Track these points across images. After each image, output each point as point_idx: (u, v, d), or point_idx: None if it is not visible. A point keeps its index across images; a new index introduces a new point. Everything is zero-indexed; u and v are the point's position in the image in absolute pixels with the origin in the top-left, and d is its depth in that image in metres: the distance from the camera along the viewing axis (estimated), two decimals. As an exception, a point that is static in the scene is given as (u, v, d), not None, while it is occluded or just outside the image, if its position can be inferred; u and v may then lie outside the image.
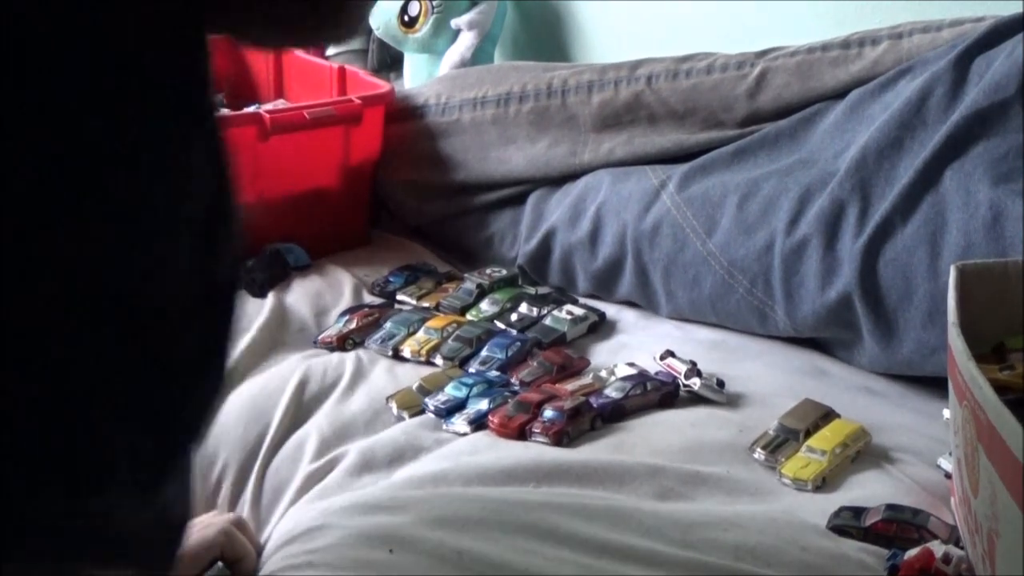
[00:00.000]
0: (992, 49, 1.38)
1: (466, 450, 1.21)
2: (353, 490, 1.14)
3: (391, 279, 1.68)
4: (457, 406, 1.31)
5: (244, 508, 1.22)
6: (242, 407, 1.35)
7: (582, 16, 2.18)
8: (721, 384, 1.33)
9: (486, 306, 1.58)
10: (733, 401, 1.32)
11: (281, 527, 1.13)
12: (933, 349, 1.29)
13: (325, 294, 1.63)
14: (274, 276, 1.65)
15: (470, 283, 1.63)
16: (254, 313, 1.56)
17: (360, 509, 1.09)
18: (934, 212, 1.31)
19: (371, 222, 1.91)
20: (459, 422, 1.28)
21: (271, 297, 1.60)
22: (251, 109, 1.89)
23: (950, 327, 0.99)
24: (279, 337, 1.52)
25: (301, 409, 1.36)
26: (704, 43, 1.72)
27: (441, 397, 1.32)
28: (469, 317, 1.56)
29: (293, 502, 1.20)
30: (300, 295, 1.62)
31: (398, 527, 1.05)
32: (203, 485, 1.25)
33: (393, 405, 1.34)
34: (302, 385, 1.39)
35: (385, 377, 1.42)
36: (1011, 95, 1.32)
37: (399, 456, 1.23)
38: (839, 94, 1.52)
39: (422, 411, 1.32)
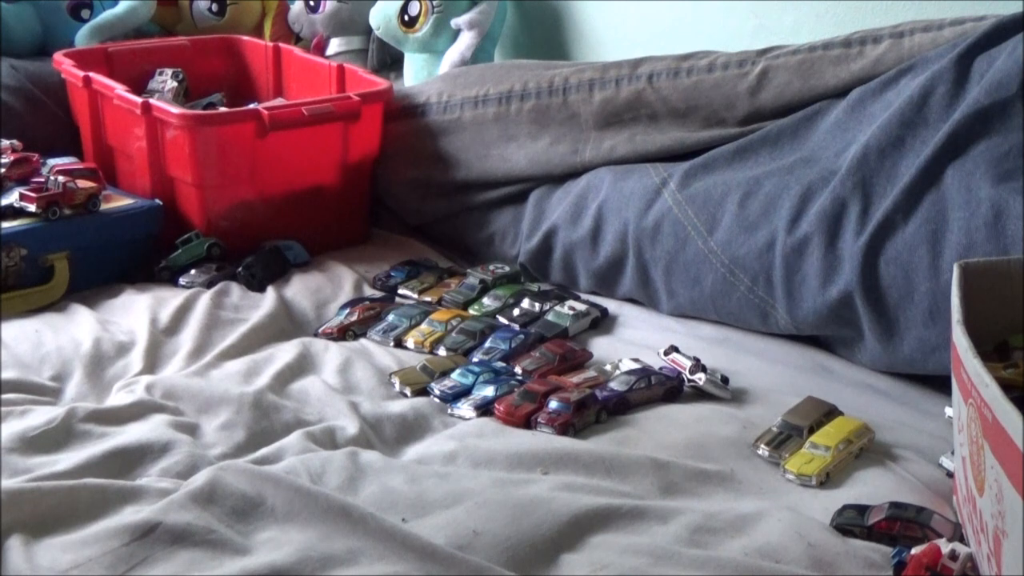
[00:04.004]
0: (993, 48, 1.38)
1: (473, 432, 1.23)
2: (359, 463, 1.14)
3: (393, 274, 1.69)
4: (463, 392, 1.32)
5: (240, 433, 1.23)
6: (241, 365, 1.38)
7: (582, 16, 2.19)
8: (725, 380, 1.33)
9: (488, 301, 1.58)
10: (737, 397, 1.33)
11: (292, 463, 1.13)
12: (934, 347, 1.29)
13: (325, 288, 1.64)
14: (273, 272, 1.66)
15: (473, 278, 1.64)
16: (253, 306, 1.56)
17: (376, 469, 1.10)
18: (935, 211, 1.31)
19: (371, 220, 1.92)
20: (465, 407, 1.29)
21: (270, 291, 1.60)
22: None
23: (954, 325, 0.99)
24: (278, 327, 1.53)
25: (303, 369, 1.39)
26: (705, 42, 1.73)
27: (447, 383, 1.33)
28: (471, 312, 1.56)
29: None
30: (300, 289, 1.63)
31: (415, 497, 1.05)
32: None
33: (396, 381, 1.36)
34: (302, 356, 1.41)
35: (388, 358, 1.44)
36: (1012, 94, 1.32)
37: (406, 433, 1.25)
38: (840, 92, 1.52)
39: (424, 391, 1.34)
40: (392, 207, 1.91)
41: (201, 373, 1.36)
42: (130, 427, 1.21)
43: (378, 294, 1.64)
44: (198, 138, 1.68)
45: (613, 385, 1.30)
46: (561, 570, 0.97)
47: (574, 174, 1.69)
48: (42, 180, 1.65)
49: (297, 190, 1.78)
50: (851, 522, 1.04)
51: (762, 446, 1.18)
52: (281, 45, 2.13)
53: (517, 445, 1.18)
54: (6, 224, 1.57)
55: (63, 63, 1.90)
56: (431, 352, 1.45)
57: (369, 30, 2.26)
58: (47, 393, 1.31)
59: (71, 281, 1.59)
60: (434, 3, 2.12)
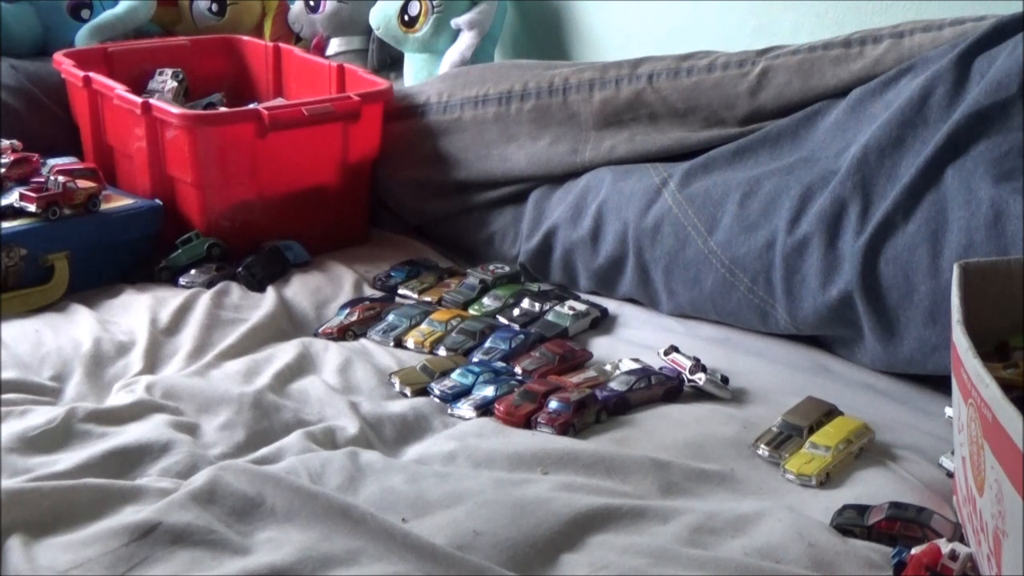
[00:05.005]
0: (993, 48, 1.38)
1: (473, 432, 1.23)
2: (359, 463, 1.14)
3: (393, 274, 1.69)
4: (463, 392, 1.32)
5: (240, 433, 1.23)
6: (241, 365, 1.38)
7: (582, 16, 2.19)
8: (725, 380, 1.33)
9: (488, 301, 1.58)
10: (737, 397, 1.33)
11: (292, 463, 1.13)
12: (934, 347, 1.29)
13: (325, 288, 1.64)
14: (273, 272, 1.66)
15: (473, 278, 1.64)
16: (253, 306, 1.56)
17: (376, 469, 1.11)
18: (935, 211, 1.31)
19: (371, 220, 1.92)
20: (465, 407, 1.29)
21: (270, 291, 1.60)
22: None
23: (954, 325, 0.99)
24: (278, 327, 1.53)
25: (303, 369, 1.39)
26: (704, 42, 1.72)
27: (447, 383, 1.34)
28: (471, 312, 1.56)
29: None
30: (300, 289, 1.63)
31: (415, 497, 1.06)
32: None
33: (396, 381, 1.36)
34: (302, 356, 1.42)
35: (388, 358, 1.44)
36: (1012, 94, 1.32)
37: (406, 433, 1.25)
38: (840, 92, 1.52)
39: (424, 391, 1.34)
40: (392, 207, 1.91)
41: (201, 373, 1.36)
42: (130, 427, 1.21)
43: (378, 294, 1.64)
44: (198, 138, 1.68)
45: (613, 385, 1.30)
46: (561, 570, 0.97)
47: (574, 174, 1.69)
48: (42, 180, 1.65)
49: (297, 190, 1.78)
50: (851, 522, 1.04)
51: (762, 446, 1.18)
52: (281, 45, 2.13)
53: (517, 445, 1.18)
54: (6, 224, 1.57)
55: (63, 63, 1.90)
56: (431, 352, 1.45)
57: (369, 30, 2.26)
58: (47, 393, 1.31)
59: (71, 281, 1.59)
60: (434, 3, 2.12)
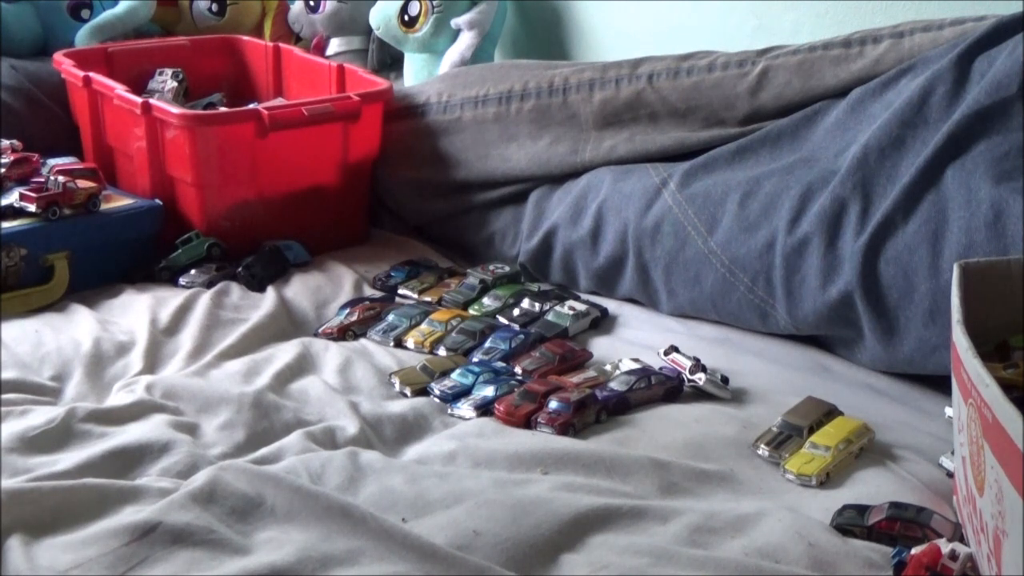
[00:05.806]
0: (993, 48, 1.38)
1: (473, 432, 1.23)
2: (359, 463, 1.14)
3: (393, 274, 1.69)
4: (463, 392, 1.32)
5: (240, 433, 1.23)
6: (241, 365, 1.38)
7: (582, 16, 2.19)
8: (725, 380, 1.33)
9: (488, 301, 1.58)
10: (737, 397, 1.33)
11: (292, 463, 1.13)
12: (934, 347, 1.29)
13: (325, 288, 1.64)
14: (273, 272, 1.66)
15: (473, 278, 1.64)
16: (253, 306, 1.56)
17: (376, 469, 1.11)
18: (935, 211, 1.31)
19: (371, 220, 1.92)
20: (465, 407, 1.29)
21: (270, 291, 1.60)
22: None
23: (954, 325, 0.99)
24: (278, 327, 1.53)
25: (303, 369, 1.39)
26: (704, 42, 1.72)
27: (447, 383, 1.34)
28: (471, 312, 1.56)
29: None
30: (300, 289, 1.63)
31: (415, 497, 1.06)
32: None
33: (396, 381, 1.36)
34: (302, 356, 1.42)
35: (388, 358, 1.44)
36: (1012, 94, 1.32)
37: (406, 433, 1.25)
38: (840, 92, 1.52)
39: (424, 391, 1.34)
40: (392, 207, 1.91)
41: (201, 373, 1.36)
42: (130, 427, 1.21)
43: (378, 294, 1.64)
44: (198, 138, 1.68)
45: (613, 385, 1.30)
46: (561, 570, 0.97)
47: (574, 174, 1.69)
48: (42, 180, 1.65)
49: (297, 190, 1.78)
50: (851, 522, 1.04)
51: (762, 446, 1.18)
52: (281, 45, 2.13)
53: (517, 445, 1.18)
54: (6, 224, 1.57)
55: (63, 63, 1.90)
56: (431, 352, 1.45)
57: (369, 30, 2.26)
58: (47, 393, 1.31)
59: (71, 281, 1.59)
60: (434, 3, 2.12)
